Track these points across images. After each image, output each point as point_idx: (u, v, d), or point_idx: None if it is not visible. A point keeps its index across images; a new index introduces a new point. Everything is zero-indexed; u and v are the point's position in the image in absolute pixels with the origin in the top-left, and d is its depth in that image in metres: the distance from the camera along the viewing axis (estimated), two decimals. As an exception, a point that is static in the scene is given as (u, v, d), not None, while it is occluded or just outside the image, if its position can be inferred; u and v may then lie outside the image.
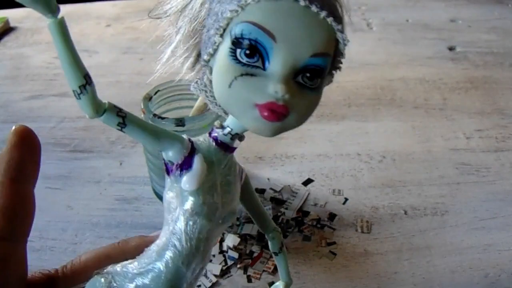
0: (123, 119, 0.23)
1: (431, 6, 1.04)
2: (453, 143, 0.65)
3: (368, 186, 0.58)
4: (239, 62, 0.22)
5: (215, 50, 0.23)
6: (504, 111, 0.71)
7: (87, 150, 0.65)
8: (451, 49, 0.87)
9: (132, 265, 0.26)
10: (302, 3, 0.21)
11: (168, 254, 0.25)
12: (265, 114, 0.22)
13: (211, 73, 0.24)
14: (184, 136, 0.25)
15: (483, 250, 0.50)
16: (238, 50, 0.22)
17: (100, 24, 1.00)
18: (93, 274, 0.26)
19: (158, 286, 0.25)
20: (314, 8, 0.21)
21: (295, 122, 0.24)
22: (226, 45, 0.22)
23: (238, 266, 0.48)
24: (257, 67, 0.22)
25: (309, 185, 0.58)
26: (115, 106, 0.23)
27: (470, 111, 0.71)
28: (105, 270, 0.26)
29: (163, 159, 0.25)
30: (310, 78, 0.23)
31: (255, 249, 0.49)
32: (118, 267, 0.26)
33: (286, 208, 0.55)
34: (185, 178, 0.25)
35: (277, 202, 0.55)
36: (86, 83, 0.22)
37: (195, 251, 0.25)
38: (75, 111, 0.72)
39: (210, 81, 0.24)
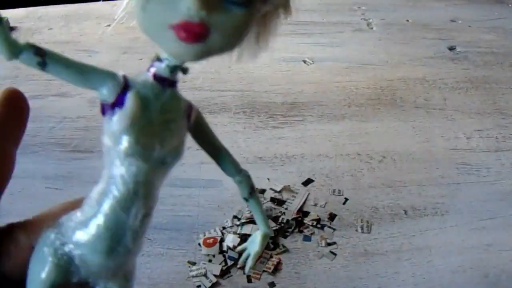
0: (42, 58, 0.21)
1: (431, 6, 1.04)
2: (453, 143, 0.65)
3: (368, 186, 0.58)
4: None
5: None
6: (504, 111, 0.71)
7: (87, 150, 0.65)
8: (451, 49, 0.87)
9: (76, 215, 0.24)
10: None
11: (107, 201, 0.23)
12: (181, 35, 0.20)
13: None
14: (119, 72, 0.23)
15: (484, 250, 0.50)
16: None
17: (100, 24, 1.00)
18: (45, 228, 0.24)
19: (100, 234, 0.23)
20: None
21: (220, 44, 0.21)
22: None
23: (238, 266, 0.48)
24: None
25: (309, 185, 0.58)
26: (34, 46, 0.21)
27: (470, 111, 0.71)
28: (56, 223, 0.25)
29: (99, 100, 0.23)
30: None
31: (255, 249, 0.49)
32: (64, 218, 0.25)
33: (286, 208, 0.55)
34: (116, 117, 0.23)
35: (277, 202, 0.55)
36: None
37: (133, 195, 0.23)
38: (75, 111, 0.72)
39: None
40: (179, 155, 0.25)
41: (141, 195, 0.23)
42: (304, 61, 0.84)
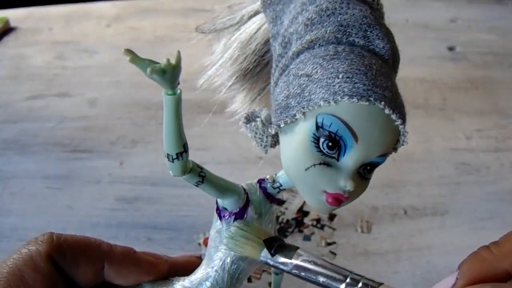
0: (202, 178, 0.26)
1: (431, 6, 1.04)
2: (453, 143, 0.65)
3: (368, 186, 0.58)
4: (320, 151, 0.24)
5: (292, 122, 0.25)
6: (504, 111, 0.71)
7: (87, 150, 0.65)
8: (451, 49, 0.87)
9: None
10: (387, 111, 0.23)
11: (208, 284, 0.28)
12: (330, 200, 0.25)
13: (274, 130, 0.27)
14: (240, 185, 0.28)
15: (483, 250, 0.50)
16: (322, 140, 0.24)
17: (100, 24, 1.00)
18: None
19: None
20: (394, 116, 0.23)
21: (348, 202, 0.27)
22: (307, 127, 0.24)
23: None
24: (333, 157, 0.24)
25: (309, 185, 0.58)
26: (197, 166, 0.25)
27: (470, 111, 0.71)
28: None
29: (217, 203, 0.28)
30: (369, 171, 0.27)
31: (255, 249, 0.49)
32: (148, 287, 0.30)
33: (286, 208, 0.55)
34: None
35: (277, 202, 0.55)
36: (183, 151, 0.24)
37: (232, 285, 0.29)
38: (75, 111, 0.72)
39: (265, 132, 0.28)
40: None
41: (237, 286, 0.29)
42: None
